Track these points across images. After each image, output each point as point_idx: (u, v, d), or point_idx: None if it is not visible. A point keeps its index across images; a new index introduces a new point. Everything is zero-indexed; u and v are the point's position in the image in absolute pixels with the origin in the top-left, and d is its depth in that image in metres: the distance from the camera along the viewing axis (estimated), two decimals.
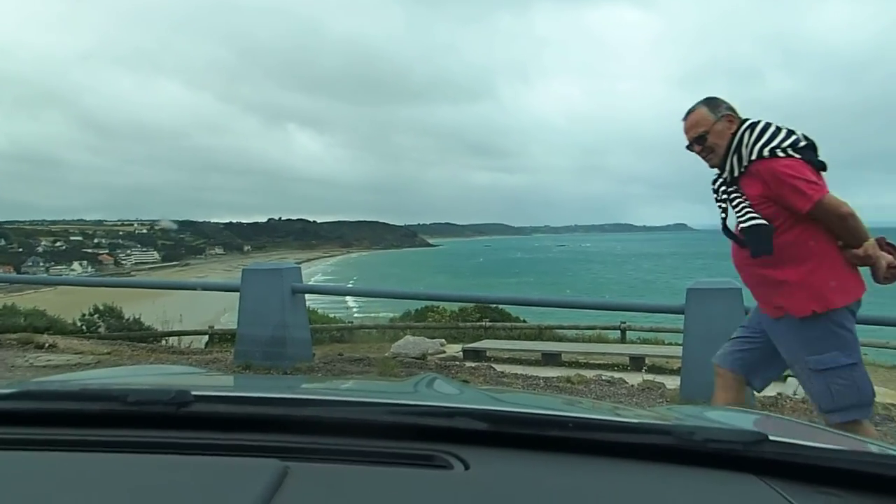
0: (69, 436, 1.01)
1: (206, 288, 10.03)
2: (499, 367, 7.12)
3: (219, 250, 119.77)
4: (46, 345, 7.58)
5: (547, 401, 1.99)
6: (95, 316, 15.95)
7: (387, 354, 9.67)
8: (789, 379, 9.05)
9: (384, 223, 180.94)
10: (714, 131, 3.02)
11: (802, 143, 2.92)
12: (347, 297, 23.32)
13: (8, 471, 0.90)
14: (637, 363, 11.05)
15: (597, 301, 7.86)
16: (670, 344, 12.74)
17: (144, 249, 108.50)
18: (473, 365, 7.69)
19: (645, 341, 14.33)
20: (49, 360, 6.73)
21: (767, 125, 2.97)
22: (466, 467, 0.92)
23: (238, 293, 6.56)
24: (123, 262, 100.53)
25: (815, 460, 0.98)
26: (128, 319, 16.18)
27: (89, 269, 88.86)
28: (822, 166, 2.94)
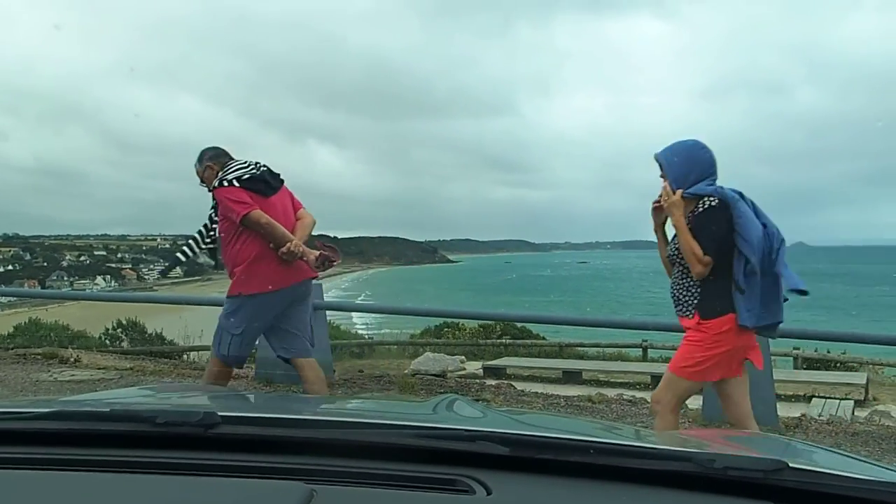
0: (100, 456, 1.03)
1: None
2: (519, 386, 7.09)
3: None
4: (71, 360, 7.67)
5: (570, 423, 1.99)
6: (118, 330, 16.10)
7: (406, 371, 9.67)
8: (814, 400, 8.93)
9: (404, 239, 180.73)
10: (205, 178, 4.15)
11: (247, 176, 3.97)
12: (353, 314, 23.26)
13: (41, 491, 0.93)
14: (659, 382, 10.93)
15: (618, 320, 7.80)
16: None
17: (167, 264, 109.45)
18: (494, 383, 7.66)
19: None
20: (73, 375, 6.81)
21: (230, 165, 4.03)
22: (488, 492, 0.93)
23: None
24: (146, 276, 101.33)
25: (836, 489, 0.97)
26: (150, 334, 16.31)
27: (113, 283, 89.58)
28: (262, 192, 4.01)
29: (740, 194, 3.14)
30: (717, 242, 3.07)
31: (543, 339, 16.74)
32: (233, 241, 4.06)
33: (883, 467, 1.47)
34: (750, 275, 3.03)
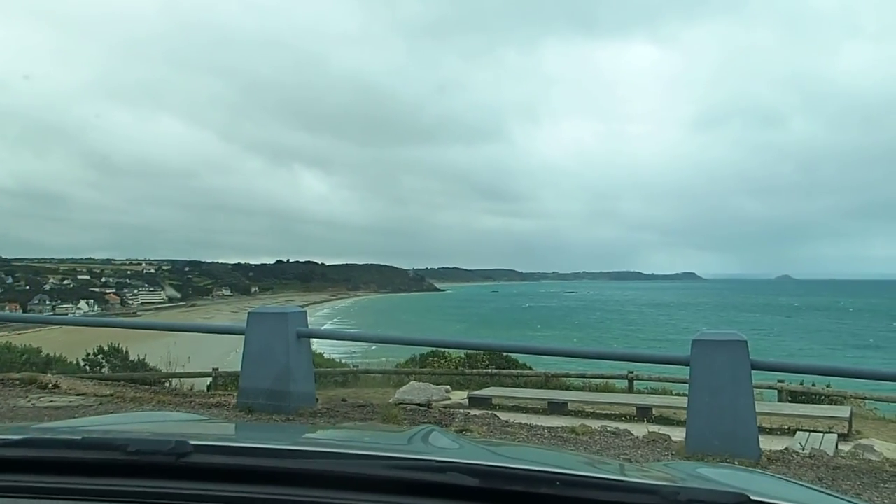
0: (70, 484, 1.03)
1: (211, 331, 10.05)
2: (504, 416, 7.05)
3: (226, 291, 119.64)
4: (49, 385, 7.57)
5: (546, 455, 1.99)
6: (100, 356, 15.94)
7: (390, 401, 9.61)
8: (798, 433, 8.95)
9: (391, 266, 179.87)
10: None
11: None
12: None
13: None
14: (644, 413, 10.93)
15: (603, 351, 7.80)
16: (678, 394, 12.61)
17: (151, 289, 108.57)
18: (478, 413, 7.61)
19: (652, 391, 14.19)
20: (51, 402, 6.72)
21: None
22: None
23: (243, 336, 6.57)
24: (130, 301, 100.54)
25: None
26: (132, 360, 16.16)
27: (96, 308, 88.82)
28: None
29: None
30: None
31: (530, 368, 16.71)
32: None
33: (851, 502, 1.48)
34: None
